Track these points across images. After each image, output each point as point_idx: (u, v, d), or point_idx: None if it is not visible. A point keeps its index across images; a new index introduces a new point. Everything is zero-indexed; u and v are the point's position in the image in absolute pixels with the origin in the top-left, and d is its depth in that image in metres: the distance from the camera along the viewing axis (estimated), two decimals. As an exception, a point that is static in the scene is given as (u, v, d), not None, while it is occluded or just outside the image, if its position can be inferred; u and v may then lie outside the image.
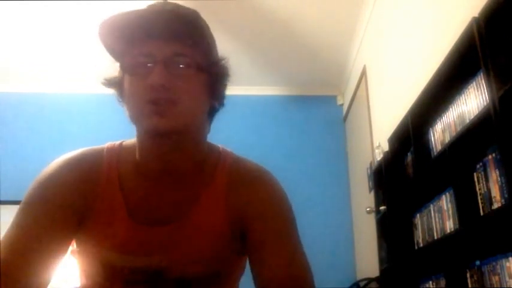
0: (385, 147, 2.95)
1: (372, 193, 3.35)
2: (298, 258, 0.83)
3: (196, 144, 0.86)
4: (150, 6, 0.79)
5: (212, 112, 0.88)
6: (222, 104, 0.88)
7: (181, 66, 0.77)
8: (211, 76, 0.82)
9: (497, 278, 1.57)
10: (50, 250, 0.77)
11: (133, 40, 0.78)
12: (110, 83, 0.84)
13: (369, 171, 3.63)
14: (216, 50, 0.86)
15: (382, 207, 2.95)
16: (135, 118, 0.80)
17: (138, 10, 0.77)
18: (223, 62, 0.85)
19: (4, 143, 4.39)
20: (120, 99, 0.84)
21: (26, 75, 4.56)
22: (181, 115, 0.78)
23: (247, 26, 3.86)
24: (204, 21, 0.82)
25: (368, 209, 3.39)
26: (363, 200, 3.80)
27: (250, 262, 0.85)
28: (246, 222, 0.85)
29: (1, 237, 0.76)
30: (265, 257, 0.81)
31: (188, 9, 0.81)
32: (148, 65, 0.76)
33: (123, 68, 0.80)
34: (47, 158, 0.91)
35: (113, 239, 0.83)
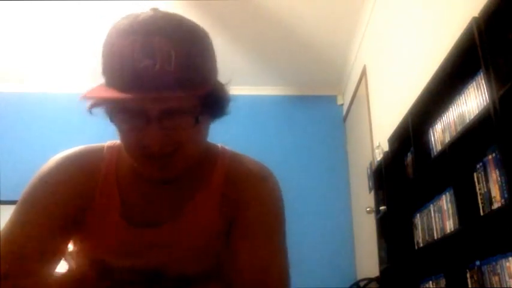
0: (385, 147, 2.94)
1: (372, 193, 3.35)
2: (275, 265, 0.82)
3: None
4: (135, 47, 0.67)
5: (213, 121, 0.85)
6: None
7: (177, 119, 0.71)
8: (213, 110, 0.78)
9: (497, 278, 1.57)
10: (47, 249, 0.76)
11: (123, 90, 0.68)
12: (98, 106, 0.75)
13: (369, 171, 3.63)
14: (216, 74, 0.78)
15: (382, 207, 2.95)
16: (132, 161, 0.78)
17: (122, 51, 0.67)
18: (224, 89, 0.78)
19: (4, 143, 4.39)
20: (111, 122, 0.76)
21: (26, 75, 4.56)
22: (182, 163, 0.77)
23: (248, 26, 3.86)
24: (201, 42, 0.73)
25: (368, 209, 3.39)
26: (363, 200, 3.80)
27: (228, 253, 0.83)
28: (234, 216, 0.85)
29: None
30: (242, 254, 0.81)
31: (181, 36, 0.70)
32: (142, 117, 0.70)
33: (114, 117, 0.73)
34: (47, 158, 0.91)
35: (109, 241, 0.83)
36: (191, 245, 0.84)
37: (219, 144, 0.93)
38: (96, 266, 0.84)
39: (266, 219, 0.85)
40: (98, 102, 0.74)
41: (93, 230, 0.83)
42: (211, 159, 0.89)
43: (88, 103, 0.75)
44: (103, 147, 0.88)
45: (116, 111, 0.72)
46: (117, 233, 0.82)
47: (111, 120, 0.74)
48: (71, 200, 0.81)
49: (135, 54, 0.66)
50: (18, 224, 0.77)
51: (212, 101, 0.75)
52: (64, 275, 0.87)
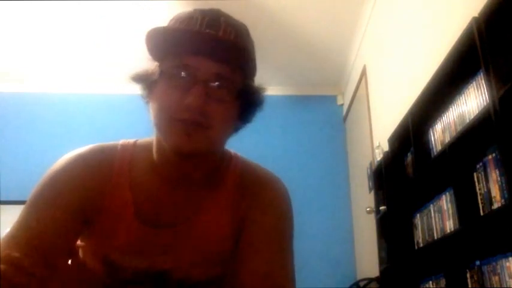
0: (385, 147, 2.94)
1: (372, 193, 3.35)
2: (280, 272, 0.81)
3: (214, 155, 0.86)
4: (203, 19, 0.76)
5: (237, 130, 0.86)
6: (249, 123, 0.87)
7: (220, 89, 0.75)
8: (247, 103, 0.81)
9: (497, 278, 1.57)
10: (55, 250, 0.76)
11: (178, 51, 0.75)
12: (140, 79, 0.80)
13: (369, 171, 3.63)
14: (255, 74, 0.85)
15: (382, 207, 2.95)
16: (160, 130, 0.78)
17: (190, 21, 0.75)
18: (261, 90, 0.84)
19: (5, 143, 4.39)
20: (146, 99, 0.81)
21: (26, 75, 4.56)
22: (209, 139, 0.76)
23: (247, 26, 3.86)
24: (252, 42, 0.83)
25: (368, 209, 3.39)
26: (363, 200, 3.80)
27: (235, 261, 0.84)
28: (243, 224, 0.85)
29: (2, 237, 0.76)
30: (248, 261, 0.81)
31: (240, 26, 0.80)
32: (189, 77, 0.74)
33: (161, 74, 0.77)
34: (47, 158, 0.91)
35: (118, 239, 0.82)
36: (201, 248, 0.84)
37: (232, 150, 0.93)
38: (102, 263, 0.84)
39: (275, 228, 0.85)
40: (141, 78, 0.79)
41: (105, 229, 0.82)
42: (224, 165, 0.89)
43: (132, 75, 0.80)
44: (117, 145, 0.88)
45: (170, 67, 0.75)
46: (130, 232, 0.82)
47: (158, 79, 0.77)
48: (80, 200, 0.80)
49: (201, 23, 0.75)
50: (25, 225, 0.76)
51: (249, 92, 0.80)
52: (71, 270, 0.87)
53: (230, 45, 0.75)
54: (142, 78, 0.80)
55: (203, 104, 0.73)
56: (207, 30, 0.74)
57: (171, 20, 0.79)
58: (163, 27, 0.74)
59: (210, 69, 0.74)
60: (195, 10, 0.78)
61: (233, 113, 0.79)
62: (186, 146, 0.75)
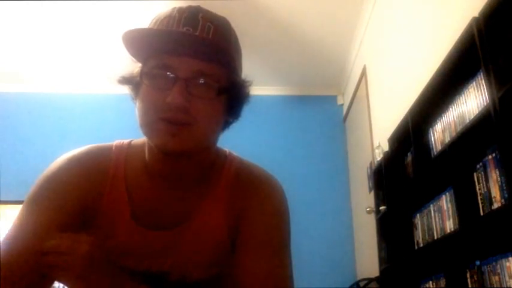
0: (385, 147, 2.94)
1: (372, 193, 3.35)
2: (278, 272, 0.81)
3: (206, 153, 0.85)
4: (180, 16, 0.76)
5: (227, 125, 0.86)
6: (238, 118, 0.87)
7: (202, 86, 0.74)
8: (232, 97, 0.80)
9: (497, 278, 1.57)
10: None
11: (157, 51, 0.75)
12: (127, 81, 0.81)
13: (369, 171, 3.63)
14: (241, 68, 0.84)
15: (382, 207, 2.95)
16: (145, 131, 0.78)
17: (168, 21, 0.75)
18: (246, 83, 0.83)
19: (4, 143, 4.39)
20: (134, 99, 0.81)
21: (27, 75, 4.56)
22: (194, 137, 0.76)
23: (247, 27, 3.86)
24: (234, 35, 0.82)
25: (368, 209, 3.39)
26: (363, 200, 3.80)
27: (233, 262, 0.84)
28: (239, 225, 0.85)
29: (1, 237, 0.76)
30: (245, 262, 0.81)
31: (220, 21, 0.79)
32: (170, 77, 0.73)
33: (143, 75, 0.77)
34: (47, 158, 0.90)
35: (115, 241, 0.82)
36: (199, 249, 0.84)
37: (227, 150, 0.93)
38: None
39: (272, 228, 0.85)
40: (127, 80, 0.80)
41: (102, 230, 0.82)
42: (218, 164, 0.89)
43: (119, 78, 0.81)
44: (111, 146, 0.88)
45: (151, 68, 0.75)
46: (126, 234, 0.82)
47: (140, 81, 0.77)
48: (76, 201, 0.80)
49: (178, 21, 0.75)
50: (22, 226, 0.77)
51: (233, 87, 0.80)
52: None
53: (208, 42, 0.74)
54: (128, 81, 0.80)
55: (185, 101, 0.72)
56: (185, 29, 0.74)
57: (151, 21, 0.79)
58: (137, 30, 0.73)
59: (190, 67, 0.74)
60: (173, 9, 0.77)
61: (218, 108, 0.78)
62: (171, 145, 0.75)
